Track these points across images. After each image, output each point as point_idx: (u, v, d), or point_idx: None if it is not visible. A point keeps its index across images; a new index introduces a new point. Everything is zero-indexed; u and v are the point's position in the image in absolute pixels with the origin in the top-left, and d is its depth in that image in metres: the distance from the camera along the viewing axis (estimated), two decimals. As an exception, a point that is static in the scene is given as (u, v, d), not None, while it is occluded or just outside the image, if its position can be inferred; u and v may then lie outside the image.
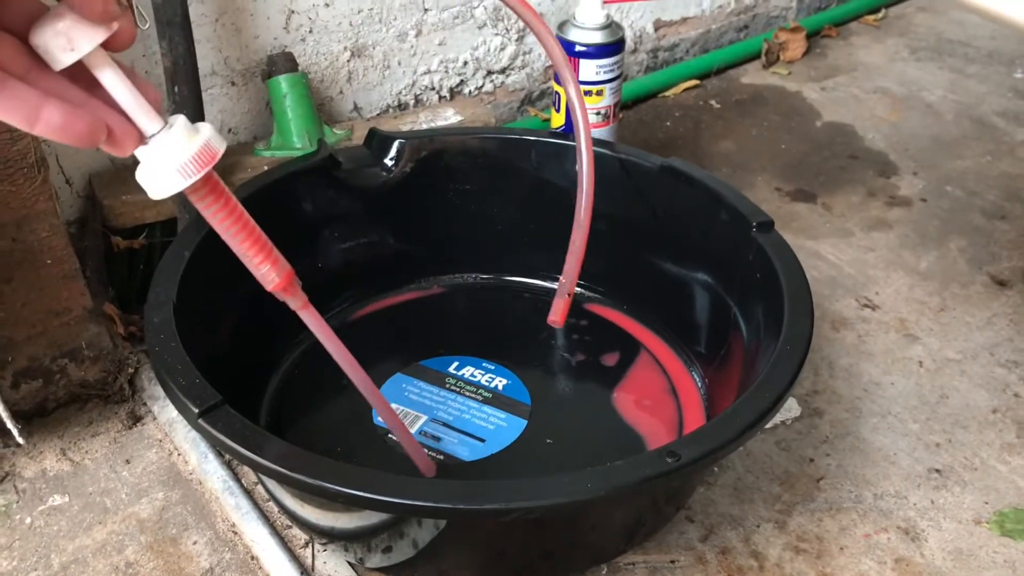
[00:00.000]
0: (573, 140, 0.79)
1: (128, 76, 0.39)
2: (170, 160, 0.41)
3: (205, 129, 0.42)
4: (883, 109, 1.20)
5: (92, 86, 0.39)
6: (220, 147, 0.43)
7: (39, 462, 0.69)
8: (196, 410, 0.52)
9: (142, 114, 0.40)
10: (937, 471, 0.70)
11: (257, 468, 0.52)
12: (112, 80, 0.39)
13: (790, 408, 0.75)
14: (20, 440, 0.67)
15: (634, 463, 0.51)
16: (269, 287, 0.50)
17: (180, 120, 0.41)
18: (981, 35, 1.37)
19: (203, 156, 0.42)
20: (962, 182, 1.05)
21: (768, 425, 0.72)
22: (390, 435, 0.68)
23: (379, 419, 0.70)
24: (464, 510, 0.49)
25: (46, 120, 0.36)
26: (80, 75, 0.39)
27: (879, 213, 1.00)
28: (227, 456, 0.70)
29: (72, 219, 0.80)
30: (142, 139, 0.41)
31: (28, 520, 0.65)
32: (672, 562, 0.63)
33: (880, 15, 1.45)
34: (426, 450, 0.67)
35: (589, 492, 0.49)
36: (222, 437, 0.52)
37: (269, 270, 0.49)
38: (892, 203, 1.02)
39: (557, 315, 0.70)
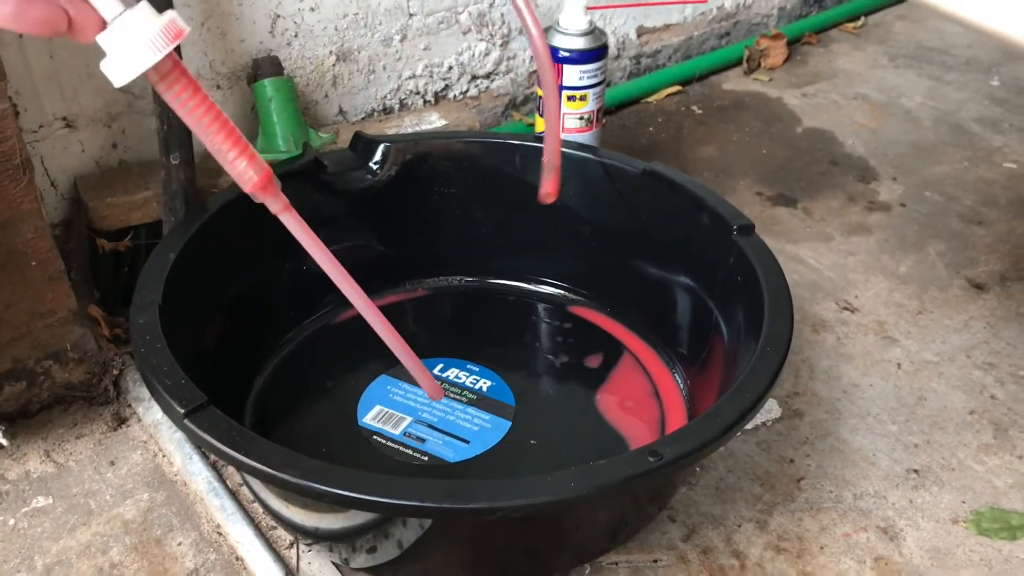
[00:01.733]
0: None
1: None
2: (137, 36, 0.40)
3: (170, 11, 0.41)
4: (863, 115, 1.22)
5: None
6: (186, 26, 0.42)
7: (23, 464, 0.69)
8: (182, 410, 0.53)
9: None
10: (915, 471, 0.71)
11: (242, 468, 0.52)
12: None
13: (771, 409, 0.76)
14: (3, 441, 0.67)
15: (617, 462, 0.51)
16: (247, 187, 0.48)
17: (143, 3, 0.40)
18: (959, 43, 1.39)
19: (171, 29, 0.41)
20: (940, 187, 1.07)
21: (749, 426, 0.73)
22: (375, 436, 0.69)
23: (364, 420, 0.70)
24: (449, 509, 0.49)
25: None
26: None
27: (859, 218, 1.01)
28: (212, 457, 0.70)
29: (57, 221, 0.80)
30: (103, 24, 0.40)
31: (11, 521, 0.65)
32: (654, 561, 0.64)
33: (860, 23, 1.46)
34: (410, 451, 0.68)
35: (573, 491, 0.49)
36: (207, 437, 0.52)
37: (247, 167, 0.47)
38: (872, 208, 1.03)
39: (549, 188, 0.70)
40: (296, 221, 0.51)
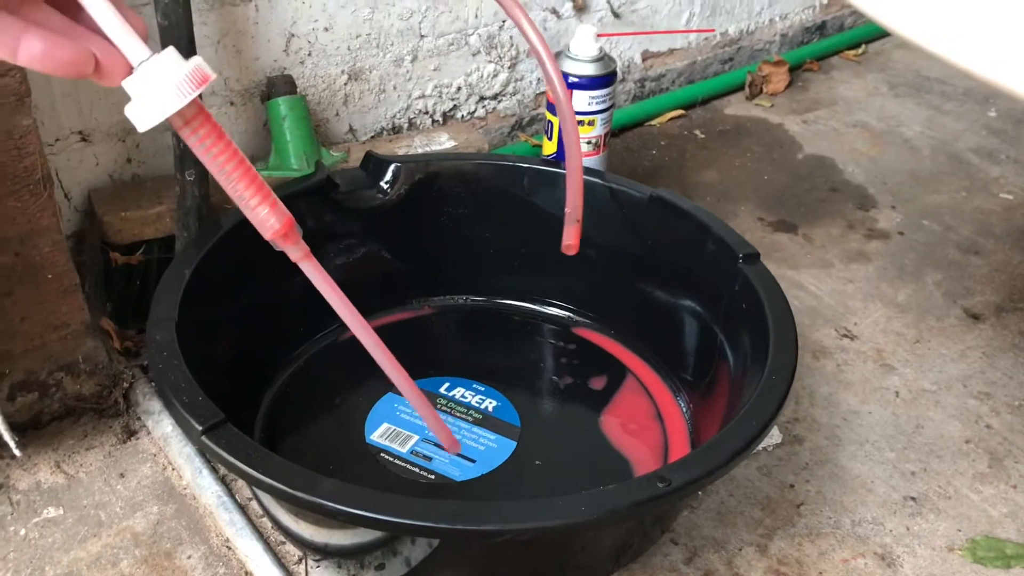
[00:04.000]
0: (564, 168, 0.81)
1: (113, 3, 0.38)
2: (163, 82, 0.40)
3: (195, 58, 0.41)
4: (862, 143, 1.23)
5: (78, 15, 0.38)
6: (212, 72, 0.42)
7: (33, 474, 0.70)
8: (200, 427, 0.54)
9: (129, 41, 0.39)
10: (912, 499, 0.73)
11: (259, 486, 0.53)
12: (96, 4, 0.38)
13: (772, 435, 0.77)
14: (16, 452, 0.68)
15: (626, 487, 0.52)
16: (268, 234, 0.48)
17: (170, 48, 0.40)
18: (957, 73, 1.40)
19: (197, 76, 0.40)
20: (938, 216, 1.08)
21: (751, 451, 0.74)
22: (383, 453, 0.70)
23: (372, 438, 0.71)
24: (460, 531, 0.50)
25: (27, 49, 0.36)
26: (66, 6, 0.38)
27: (858, 245, 1.03)
28: (224, 471, 0.71)
29: (69, 233, 0.81)
30: (130, 69, 0.39)
31: (23, 532, 0.66)
32: (657, 583, 0.65)
33: (860, 51, 1.48)
34: (417, 469, 0.69)
35: (583, 515, 0.50)
36: (225, 454, 0.53)
37: (268, 214, 0.47)
38: (871, 236, 1.05)
39: (571, 240, 0.71)
40: (316, 270, 0.51)
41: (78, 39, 0.38)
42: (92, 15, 0.38)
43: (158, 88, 0.40)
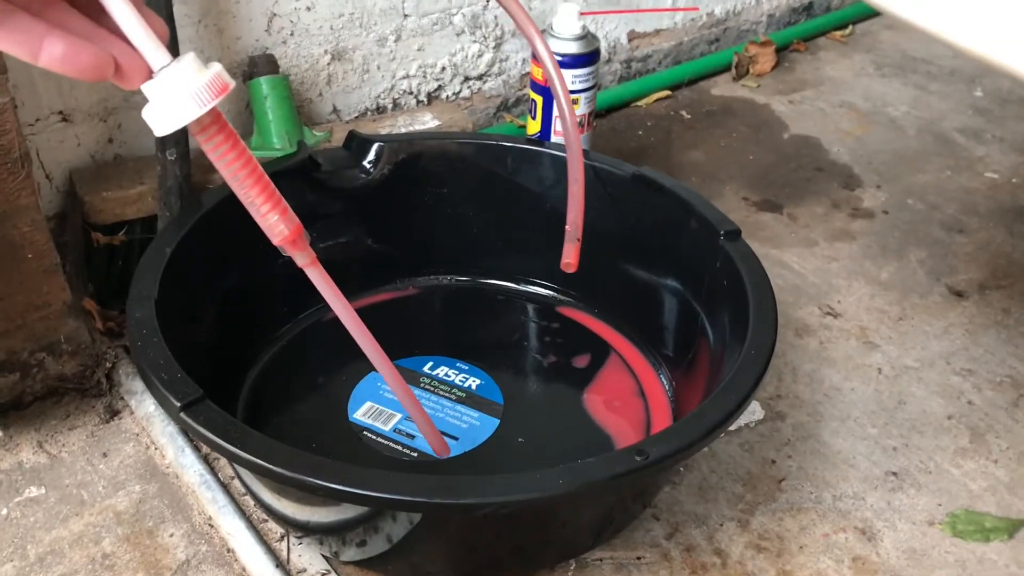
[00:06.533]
0: (547, 147, 0.81)
1: (136, 8, 0.39)
2: (183, 89, 0.40)
3: (215, 65, 0.42)
4: (848, 123, 1.24)
5: (100, 17, 0.39)
6: (231, 81, 0.42)
7: (15, 454, 0.70)
8: (178, 404, 0.54)
9: (151, 46, 0.39)
10: (894, 474, 0.73)
11: (238, 461, 0.53)
12: (119, 8, 0.38)
13: (754, 411, 0.78)
14: (-2, 432, 0.68)
15: (604, 460, 0.52)
16: (276, 240, 0.48)
17: (190, 55, 0.40)
18: (944, 53, 1.41)
19: (216, 84, 0.41)
20: (923, 196, 1.09)
21: (732, 427, 0.75)
22: (365, 432, 0.70)
23: (355, 416, 0.71)
24: (440, 504, 0.50)
25: (48, 51, 0.36)
26: (88, 8, 0.38)
27: (843, 224, 1.03)
28: (204, 450, 0.71)
29: (51, 214, 0.81)
30: (150, 73, 0.40)
31: (4, 511, 0.66)
32: (638, 559, 0.65)
33: (847, 31, 1.48)
34: (400, 447, 0.69)
35: (561, 488, 0.50)
36: (203, 431, 0.53)
37: (278, 220, 0.47)
38: (855, 215, 1.05)
39: (570, 258, 0.71)
40: (322, 276, 0.52)
41: (99, 42, 0.38)
42: (114, 18, 0.38)
43: (177, 95, 0.40)
